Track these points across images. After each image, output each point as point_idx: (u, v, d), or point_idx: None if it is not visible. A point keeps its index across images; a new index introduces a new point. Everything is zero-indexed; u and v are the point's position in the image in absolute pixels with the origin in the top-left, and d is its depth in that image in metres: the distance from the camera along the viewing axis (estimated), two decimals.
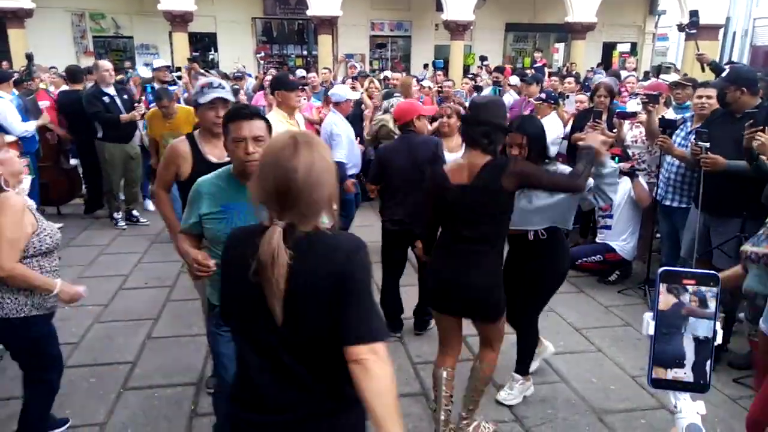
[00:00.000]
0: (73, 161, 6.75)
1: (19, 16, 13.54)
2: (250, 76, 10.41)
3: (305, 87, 4.07)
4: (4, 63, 11.81)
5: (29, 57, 7.64)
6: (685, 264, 4.08)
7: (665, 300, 1.37)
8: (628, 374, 3.56)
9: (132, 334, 3.94)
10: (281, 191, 1.37)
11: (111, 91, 6.18)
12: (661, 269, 1.39)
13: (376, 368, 1.36)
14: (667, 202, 4.41)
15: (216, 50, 17.58)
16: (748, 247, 2.45)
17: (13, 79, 6.06)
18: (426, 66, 9.48)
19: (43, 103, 6.52)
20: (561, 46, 18.09)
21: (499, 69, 7.79)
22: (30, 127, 5.70)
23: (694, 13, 5.84)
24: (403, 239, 3.76)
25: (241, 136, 2.15)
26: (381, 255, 4.05)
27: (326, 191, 1.41)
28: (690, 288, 1.36)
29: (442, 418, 2.79)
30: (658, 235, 5.24)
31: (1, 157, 2.42)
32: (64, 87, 7.38)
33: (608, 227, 5.12)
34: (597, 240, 5.27)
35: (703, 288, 1.35)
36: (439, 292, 2.73)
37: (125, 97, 6.35)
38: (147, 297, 4.62)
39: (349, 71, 9.17)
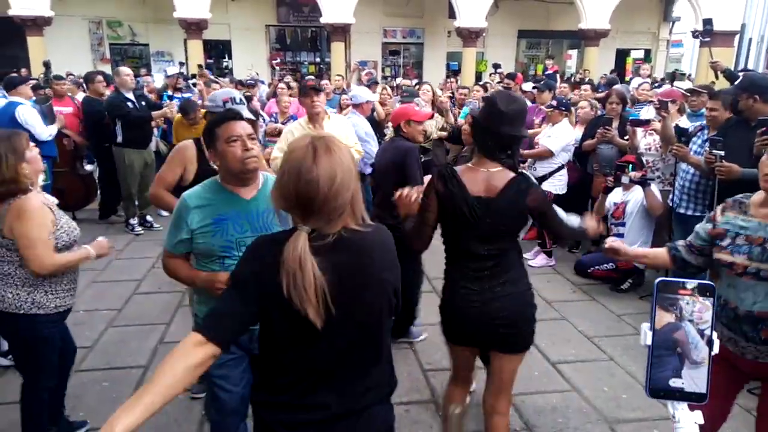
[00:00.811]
0: (88, 167, 6.87)
1: (38, 24, 13.80)
2: (263, 83, 10.50)
3: (320, 90, 4.07)
4: (23, 70, 12.03)
5: (46, 65, 7.78)
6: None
7: (659, 318, 1.38)
8: (640, 383, 3.52)
9: (145, 339, 3.98)
10: (303, 201, 1.37)
11: (131, 96, 6.31)
12: (658, 280, 1.39)
13: None
14: (682, 210, 4.38)
15: (230, 57, 17.77)
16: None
17: (31, 84, 6.14)
18: (448, 67, 9.30)
19: (66, 109, 6.63)
20: (574, 52, 18.04)
21: (511, 76, 7.78)
22: (53, 131, 5.82)
23: (708, 21, 5.82)
24: None
25: (236, 134, 2.09)
26: None
27: (348, 195, 1.40)
28: (686, 298, 1.36)
29: None
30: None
31: (29, 156, 2.45)
32: (80, 93, 7.53)
33: (621, 235, 5.07)
34: None
35: (699, 299, 1.36)
36: (465, 321, 2.34)
37: (143, 103, 6.48)
38: (160, 302, 4.66)
39: (364, 77, 9.18)
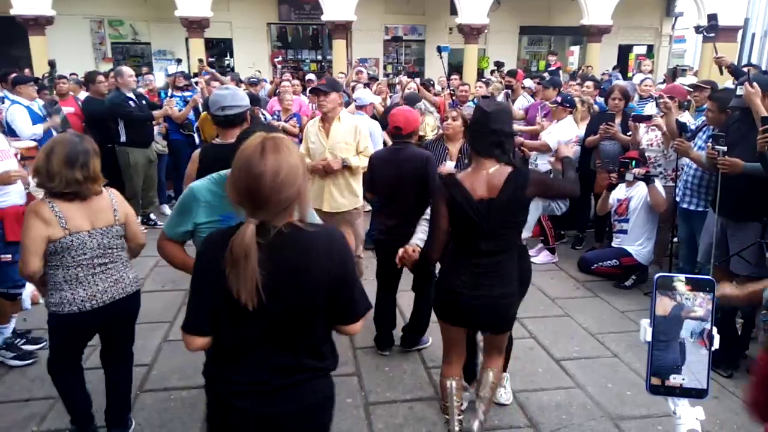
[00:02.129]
0: None
1: (40, 24, 13.80)
2: (265, 81, 10.48)
3: (321, 90, 4.09)
4: (26, 70, 12.03)
5: (52, 64, 7.78)
6: (702, 269, 4.04)
7: (663, 305, 1.37)
8: (644, 380, 3.51)
9: (148, 337, 3.99)
10: (251, 193, 1.50)
11: (132, 95, 6.33)
12: (657, 275, 1.39)
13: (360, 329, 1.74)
14: (685, 205, 4.37)
15: (232, 56, 17.75)
16: None
17: (31, 84, 6.09)
18: (439, 49, 9.17)
19: (68, 109, 6.63)
20: (576, 48, 17.96)
21: (511, 73, 7.75)
22: (38, 131, 5.66)
23: (712, 17, 5.76)
24: (392, 249, 3.36)
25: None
26: (377, 267, 3.92)
27: (294, 189, 1.52)
28: (686, 293, 1.36)
29: (457, 429, 2.75)
30: (676, 240, 5.19)
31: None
32: (82, 93, 7.53)
33: (624, 232, 5.07)
34: (613, 244, 5.22)
35: (699, 294, 1.35)
36: (454, 306, 2.64)
37: (143, 102, 6.48)
38: (163, 300, 4.67)
39: (357, 76, 9.05)
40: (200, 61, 9.45)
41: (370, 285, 4.83)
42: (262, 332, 1.59)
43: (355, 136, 4.12)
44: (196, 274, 1.64)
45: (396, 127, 3.65)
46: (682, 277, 1.38)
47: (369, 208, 6.00)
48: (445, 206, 2.53)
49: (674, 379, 1.37)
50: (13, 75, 6.17)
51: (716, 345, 1.38)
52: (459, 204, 2.48)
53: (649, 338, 1.37)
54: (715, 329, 1.37)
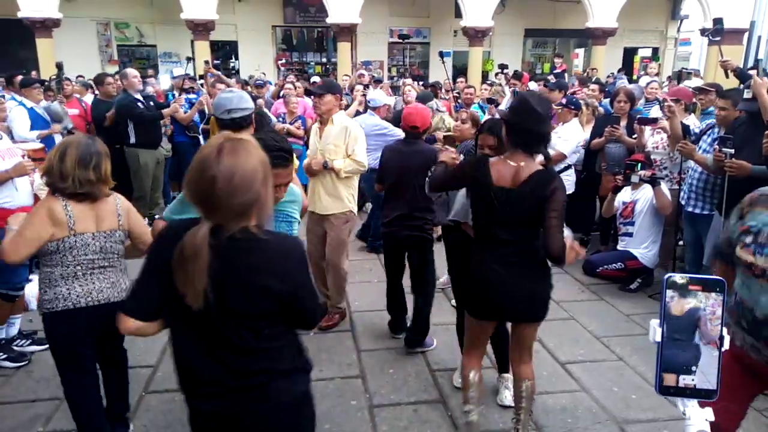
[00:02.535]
0: None
1: (47, 26, 13.89)
2: (270, 83, 10.50)
3: (314, 92, 4.15)
4: (33, 72, 12.10)
5: (59, 66, 7.82)
6: (707, 272, 4.02)
7: (679, 305, 1.37)
8: (650, 383, 3.50)
9: (154, 339, 3.97)
10: (204, 196, 1.47)
11: (139, 97, 6.37)
12: (666, 276, 1.38)
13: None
14: (690, 209, 4.35)
15: (237, 58, 17.82)
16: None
17: (36, 87, 6.12)
18: (441, 54, 9.24)
19: (72, 111, 6.67)
20: (581, 51, 17.96)
21: (517, 75, 7.75)
22: (31, 136, 5.59)
23: (718, 21, 5.75)
24: (397, 241, 3.83)
25: (278, 182, 2.36)
26: (384, 258, 4.11)
27: (250, 195, 1.48)
28: (697, 294, 1.35)
29: (475, 419, 2.79)
30: (681, 242, 5.17)
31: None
32: (88, 95, 7.57)
33: (629, 234, 5.06)
34: (618, 247, 5.21)
35: (710, 295, 1.35)
36: (487, 297, 2.61)
37: (151, 103, 6.53)
38: None
39: (359, 79, 9.09)
40: (206, 62, 9.48)
41: (374, 287, 4.86)
42: (210, 333, 1.56)
43: (344, 139, 4.00)
44: (148, 258, 1.65)
45: (413, 126, 3.82)
46: (692, 277, 1.37)
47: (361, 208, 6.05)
48: (468, 180, 2.63)
49: (684, 380, 1.36)
50: (20, 77, 6.20)
51: (726, 346, 1.38)
52: (480, 185, 2.52)
53: (658, 338, 1.36)
54: (725, 330, 1.36)
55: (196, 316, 1.51)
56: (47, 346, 3.72)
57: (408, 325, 3.98)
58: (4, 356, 3.63)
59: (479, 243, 2.67)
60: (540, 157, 2.54)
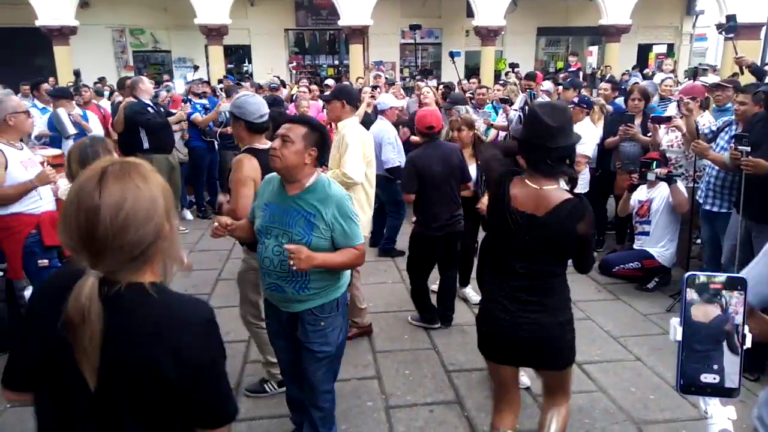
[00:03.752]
0: None
1: (64, 34, 14.13)
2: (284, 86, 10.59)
3: (323, 98, 4.23)
4: (51, 79, 12.31)
5: (77, 74, 7.95)
6: (726, 271, 3.97)
7: (705, 311, 1.36)
8: (668, 384, 3.48)
9: None
10: (84, 235, 1.11)
11: (150, 103, 6.46)
12: (687, 274, 1.38)
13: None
14: (708, 207, 4.31)
15: (250, 62, 17.96)
16: None
17: (66, 97, 6.24)
18: (451, 54, 9.28)
19: (93, 117, 6.76)
20: (595, 49, 17.81)
21: (530, 76, 7.70)
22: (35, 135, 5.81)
23: (731, 17, 5.67)
24: (450, 237, 4.02)
25: (277, 134, 2.37)
26: (409, 261, 4.26)
27: (146, 230, 1.14)
28: (719, 292, 1.35)
29: None
30: (698, 241, 5.11)
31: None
32: (104, 101, 7.68)
33: (646, 233, 5.02)
34: (634, 247, 5.17)
35: (733, 293, 1.34)
36: (495, 338, 2.33)
37: (161, 109, 6.61)
38: None
39: (375, 81, 9.15)
40: (222, 79, 9.82)
41: (389, 288, 4.89)
42: (85, 414, 1.19)
43: (339, 147, 3.77)
44: (25, 319, 1.29)
45: (429, 127, 4.00)
46: (713, 275, 1.37)
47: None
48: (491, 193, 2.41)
49: (705, 379, 1.35)
50: (45, 85, 6.34)
51: (749, 344, 1.37)
52: (496, 204, 2.27)
53: (679, 338, 1.36)
54: (747, 327, 1.36)
55: (73, 391, 1.16)
56: None
57: (434, 311, 4.25)
58: None
59: (492, 272, 2.40)
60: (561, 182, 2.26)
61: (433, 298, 4.32)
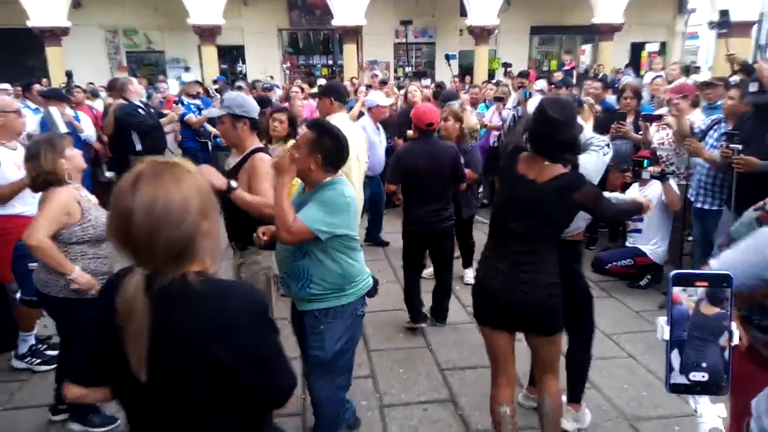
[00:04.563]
0: (108, 174, 6.97)
1: (56, 35, 14.05)
2: (277, 87, 10.57)
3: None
4: (43, 80, 12.25)
5: (69, 75, 7.92)
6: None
7: (708, 307, 1.37)
8: (661, 380, 3.49)
9: None
10: (121, 236, 1.18)
11: (141, 104, 6.42)
12: (673, 272, 1.39)
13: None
14: (699, 205, 4.33)
15: (244, 62, 17.92)
16: None
17: (58, 99, 6.22)
18: (447, 58, 9.35)
19: (86, 118, 6.74)
20: (588, 47, 17.86)
21: (523, 74, 7.73)
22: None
23: (724, 13, 5.71)
24: (434, 235, 4.01)
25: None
26: (403, 257, 4.23)
27: (179, 232, 1.17)
28: (702, 289, 1.36)
29: None
30: (690, 238, 5.14)
31: (68, 154, 2.80)
32: (98, 102, 7.65)
33: (639, 231, 5.04)
34: (627, 244, 5.19)
35: (716, 289, 1.35)
36: (491, 300, 2.44)
37: (152, 111, 6.57)
38: None
39: (372, 80, 9.21)
40: (212, 81, 9.81)
41: (383, 288, 4.88)
42: (151, 412, 1.27)
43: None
44: (97, 315, 1.34)
45: (428, 123, 3.97)
46: (698, 273, 1.38)
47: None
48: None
49: (694, 376, 1.36)
50: (44, 88, 6.31)
51: (736, 341, 1.38)
52: (504, 171, 2.54)
53: (666, 337, 1.36)
54: (734, 324, 1.37)
55: (139, 388, 1.21)
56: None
57: (425, 312, 4.22)
58: (39, 360, 3.70)
59: (491, 239, 2.54)
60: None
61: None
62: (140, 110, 6.29)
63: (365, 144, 4.62)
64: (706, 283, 1.36)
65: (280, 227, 2.30)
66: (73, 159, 2.84)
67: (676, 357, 1.38)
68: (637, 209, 2.73)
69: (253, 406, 1.29)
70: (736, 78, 5.68)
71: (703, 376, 1.35)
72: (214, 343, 1.18)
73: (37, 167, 2.71)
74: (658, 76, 7.63)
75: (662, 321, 1.41)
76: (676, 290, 1.37)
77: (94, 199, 2.95)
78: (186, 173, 1.23)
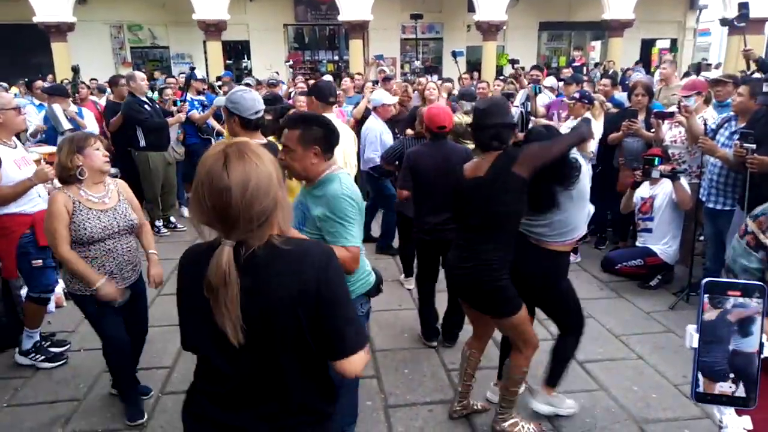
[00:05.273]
0: (112, 170, 6.95)
1: (62, 30, 14.08)
2: (283, 83, 10.53)
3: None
4: (49, 76, 12.28)
5: (75, 70, 7.91)
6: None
7: (709, 312, 1.33)
8: (671, 383, 3.44)
9: (170, 340, 4.02)
10: (219, 212, 1.31)
11: (146, 100, 6.38)
12: (705, 280, 1.34)
13: (360, 369, 1.46)
14: (711, 205, 4.26)
15: (249, 58, 17.90)
16: None
17: (62, 96, 6.22)
18: (454, 54, 9.27)
19: (87, 113, 6.73)
20: (597, 44, 17.74)
21: (538, 67, 7.61)
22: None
23: (744, 5, 5.56)
24: (437, 247, 3.74)
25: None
26: (417, 265, 4.08)
27: (269, 201, 1.33)
28: (734, 299, 1.31)
29: (459, 390, 3.09)
30: (702, 238, 5.06)
31: (87, 152, 2.86)
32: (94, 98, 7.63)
33: (649, 230, 4.97)
34: (637, 244, 5.12)
35: (748, 299, 1.30)
36: (448, 280, 2.97)
37: (157, 106, 6.54)
38: None
39: (379, 76, 9.14)
40: (216, 77, 9.76)
41: (389, 286, 4.85)
42: (241, 371, 1.41)
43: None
44: (179, 296, 1.50)
45: (440, 126, 3.76)
46: (731, 282, 1.33)
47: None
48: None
49: (721, 387, 1.31)
50: (39, 82, 6.31)
51: (767, 352, 1.33)
52: (458, 185, 2.79)
53: (695, 345, 1.32)
54: (765, 336, 1.32)
55: (230, 352, 1.36)
56: (65, 347, 3.82)
57: (439, 328, 3.99)
58: (43, 357, 3.68)
59: (455, 235, 2.90)
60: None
61: None
62: (146, 106, 6.26)
63: (354, 146, 4.40)
64: (738, 293, 1.31)
65: (351, 261, 2.31)
66: (91, 157, 2.87)
67: (704, 366, 1.34)
68: (581, 138, 2.82)
69: (324, 351, 1.42)
70: (757, 75, 5.59)
71: (730, 387, 1.31)
72: (297, 290, 1.33)
73: (57, 161, 2.85)
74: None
75: (691, 329, 1.36)
76: (706, 298, 1.32)
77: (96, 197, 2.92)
78: (261, 150, 1.38)
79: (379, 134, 5.54)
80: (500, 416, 2.91)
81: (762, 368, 1.33)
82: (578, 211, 2.87)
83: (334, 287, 1.39)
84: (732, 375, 1.31)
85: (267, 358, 1.38)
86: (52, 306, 4.42)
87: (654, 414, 3.15)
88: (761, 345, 1.30)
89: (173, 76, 9.60)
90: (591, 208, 3.06)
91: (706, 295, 1.32)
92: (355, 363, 1.42)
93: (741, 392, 1.31)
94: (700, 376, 1.33)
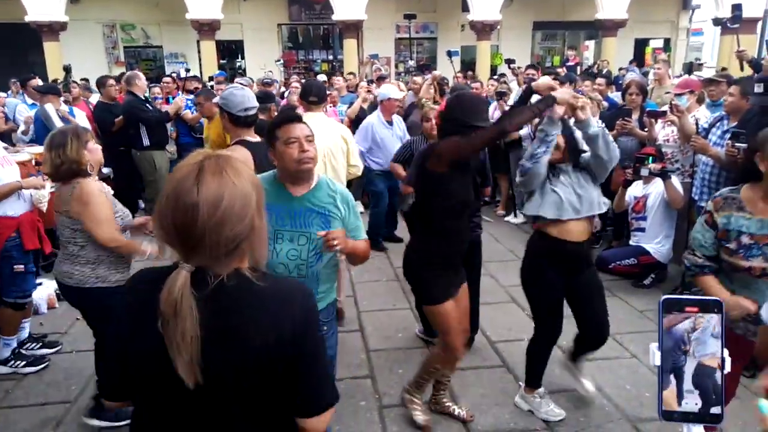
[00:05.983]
0: (105, 170, 6.91)
1: (54, 29, 13.99)
2: (277, 82, 10.51)
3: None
4: (36, 77, 12.18)
5: (67, 69, 7.86)
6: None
7: (668, 320, 1.34)
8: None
9: None
10: (181, 230, 1.13)
11: (144, 99, 6.37)
12: (663, 298, 1.35)
13: (326, 426, 1.30)
14: (703, 203, 4.27)
15: (243, 57, 17.85)
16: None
17: (54, 94, 6.19)
18: (449, 54, 9.27)
19: (79, 112, 6.69)
20: (591, 43, 17.79)
21: (533, 66, 7.62)
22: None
23: (737, 7, 5.59)
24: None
25: (294, 136, 2.17)
26: None
27: (242, 226, 1.15)
28: (693, 316, 1.32)
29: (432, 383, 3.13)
30: None
31: (90, 147, 2.85)
32: (94, 96, 7.59)
33: (642, 230, 4.98)
34: (631, 243, 5.13)
35: (707, 314, 1.31)
36: None
37: (154, 105, 6.53)
38: None
39: (374, 74, 9.14)
40: (208, 78, 9.73)
41: (383, 286, 4.84)
42: (193, 416, 1.20)
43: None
44: (118, 322, 1.26)
45: None
46: (688, 299, 1.34)
47: (362, 209, 6.00)
48: None
49: (687, 405, 1.31)
50: (32, 81, 6.27)
51: (728, 369, 1.33)
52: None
53: (658, 362, 1.32)
54: (726, 351, 1.32)
55: (182, 393, 1.14)
56: (56, 349, 3.77)
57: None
58: (23, 363, 3.62)
59: None
60: None
61: None
62: (147, 104, 6.25)
63: (344, 147, 4.17)
64: (696, 309, 1.32)
65: (367, 257, 2.42)
66: (95, 152, 2.88)
67: (669, 383, 1.34)
68: (531, 115, 2.69)
69: (290, 407, 1.25)
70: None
71: (696, 404, 1.31)
72: (277, 337, 1.16)
73: (63, 155, 2.74)
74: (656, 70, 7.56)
75: (654, 347, 1.37)
76: (665, 316, 1.33)
77: (108, 188, 2.95)
78: (243, 167, 1.21)
79: (371, 126, 5.59)
80: (407, 387, 3.10)
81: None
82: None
83: (316, 340, 1.24)
84: (697, 391, 1.31)
85: (218, 403, 1.19)
86: (44, 308, 4.40)
87: (648, 413, 3.15)
88: (723, 360, 1.31)
89: (169, 75, 9.58)
90: (605, 203, 3.05)
91: (665, 313, 1.33)
92: (324, 421, 1.26)
93: (707, 408, 1.31)
94: (665, 393, 1.33)
